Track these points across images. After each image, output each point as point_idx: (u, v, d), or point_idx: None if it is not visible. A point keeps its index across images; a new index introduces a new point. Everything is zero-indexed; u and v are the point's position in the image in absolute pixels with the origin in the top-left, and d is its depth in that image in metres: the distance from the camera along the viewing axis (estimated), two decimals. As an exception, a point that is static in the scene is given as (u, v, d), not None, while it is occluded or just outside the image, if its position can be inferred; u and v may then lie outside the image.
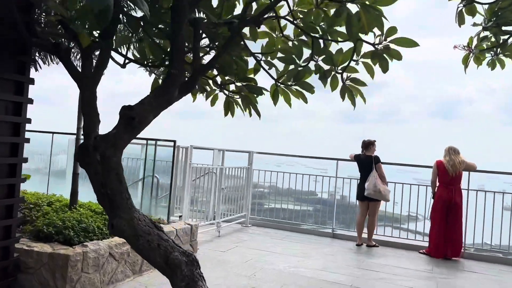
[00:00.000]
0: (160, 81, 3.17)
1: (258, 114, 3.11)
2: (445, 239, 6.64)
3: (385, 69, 2.60)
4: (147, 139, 5.65)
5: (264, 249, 6.38)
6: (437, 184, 6.81)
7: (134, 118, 2.21)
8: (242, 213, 8.41)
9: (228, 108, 3.26)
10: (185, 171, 6.31)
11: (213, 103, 3.33)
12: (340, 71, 2.82)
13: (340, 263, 5.92)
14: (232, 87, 3.27)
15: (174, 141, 5.57)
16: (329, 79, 2.90)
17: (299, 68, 2.91)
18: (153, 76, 3.30)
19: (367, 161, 7.29)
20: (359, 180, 7.39)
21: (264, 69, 3.02)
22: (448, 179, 6.67)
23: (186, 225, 5.62)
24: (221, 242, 6.64)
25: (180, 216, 6.34)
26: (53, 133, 6.42)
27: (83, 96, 2.35)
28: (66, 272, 3.68)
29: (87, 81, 2.36)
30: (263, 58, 3.03)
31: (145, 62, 3.00)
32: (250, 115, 3.19)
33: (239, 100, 3.20)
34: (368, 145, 7.41)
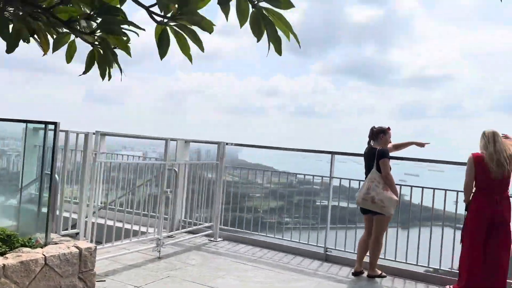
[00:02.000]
0: None
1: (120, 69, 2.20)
2: (484, 271, 4.36)
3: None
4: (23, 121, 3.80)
5: (207, 283, 4.37)
6: (473, 190, 4.53)
7: None
8: (210, 223, 6.45)
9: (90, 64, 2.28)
10: (84, 167, 4.35)
11: (69, 58, 2.37)
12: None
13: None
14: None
15: (50, 123, 3.60)
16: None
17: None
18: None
19: (369, 156, 5.12)
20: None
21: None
22: (490, 182, 4.40)
23: (73, 249, 3.70)
24: (149, 269, 4.66)
25: (76, 234, 4.41)
26: None
27: None
28: None
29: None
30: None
31: None
32: (110, 77, 2.30)
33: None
34: (377, 134, 5.20)
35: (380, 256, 5.13)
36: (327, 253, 5.72)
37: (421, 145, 5.31)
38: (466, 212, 4.55)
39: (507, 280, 4.37)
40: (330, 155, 5.90)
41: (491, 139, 4.43)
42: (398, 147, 5.37)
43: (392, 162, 5.10)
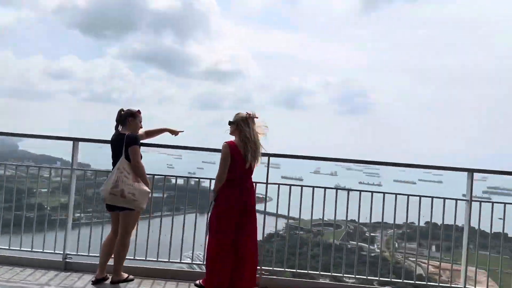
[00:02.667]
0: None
1: None
2: (233, 262, 4.14)
3: None
4: None
5: None
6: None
7: None
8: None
9: None
10: None
11: None
12: None
13: None
14: None
15: None
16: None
17: None
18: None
19: (116, 142, 4.34)
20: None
21: None
22: (243, 170, 4.18)
23: None
24: None
25: None
26: None
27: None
28: None
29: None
30: None
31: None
32: None
33: None
34: (125, 117, 4.44)
35: (128, 257, 4.47)
36: (66, 260, 4.74)
37: (175, 133, 4.82)
38: (213, 203, 4.22)
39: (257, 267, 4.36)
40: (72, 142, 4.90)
41: (245, 123, 4.21)
42: (150, 133, 4.76)
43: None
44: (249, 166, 4.17)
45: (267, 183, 4.72)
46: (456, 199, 4.70)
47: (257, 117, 4.29)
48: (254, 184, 4.41)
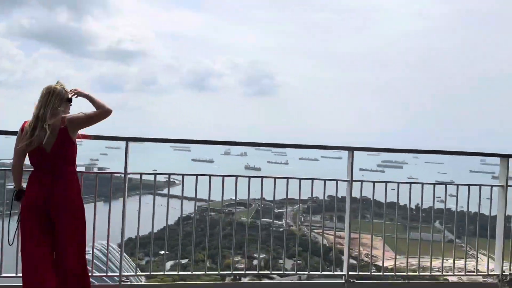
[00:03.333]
0: None
1: None
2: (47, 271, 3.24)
3: None
4: None
5: None
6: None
7: None
8: None
9: None
10: None
11: None
12: None
13: None
14: None
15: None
16: None
17: None
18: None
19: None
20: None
21: None
22: (42, 156, 3.30)
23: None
24: None
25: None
26: None
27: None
28: None
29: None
30: None
31: None
32: None
33: None
34: None
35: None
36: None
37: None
38: (17, 201, 3.42)
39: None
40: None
41: (44, 98, 3.31)
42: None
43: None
44: (52, 151, 3.26)
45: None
46: (337, 180, 5.01)
47: (60, 87, 3.42)
48: (78, 172, 3.55)
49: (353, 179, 4.96)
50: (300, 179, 4.93)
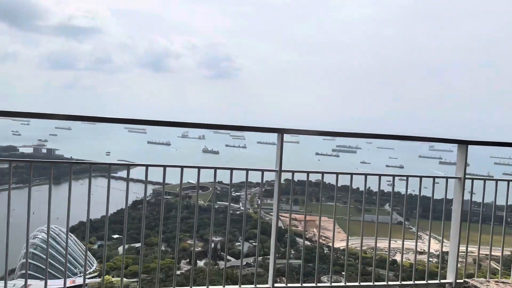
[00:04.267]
0: None
1: None
2: None
3: None
4: None
5: None
6: None
7: None
8: None
9: None
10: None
11: None
12: None
13: None
14: None
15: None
16: None
17: None
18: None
19: None
20: None
21: None
22: None
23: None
24: None
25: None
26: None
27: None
28: None
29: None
30: None
31: None
32: None
33: None
34: None
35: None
36: None
37: None
38: None
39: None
40: None
41: None
42: None
43: None
44: None
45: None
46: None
47: None
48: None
49: (282, 168, 4.59)
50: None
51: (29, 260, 30.19)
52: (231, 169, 4.64)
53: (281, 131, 4.52)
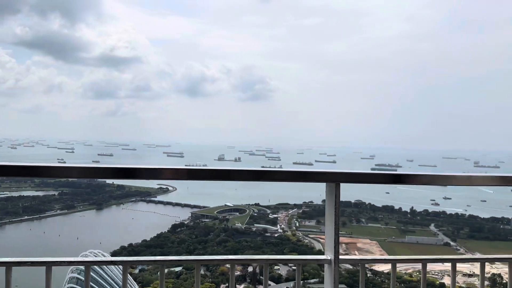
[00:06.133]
0: None
1: None
2: None
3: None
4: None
5: None
6: None
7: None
8: None
9: None
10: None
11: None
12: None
13: None
14: None
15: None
16: None
17: None
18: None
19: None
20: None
21: None
22: None
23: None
24: None
25: None
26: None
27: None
28: None
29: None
30: None
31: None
32: None
33: None
34: None
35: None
36: None
37: None
38: None
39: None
40: None
41: None
42: None
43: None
44: None
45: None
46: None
47: None
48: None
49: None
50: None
51: (73, 285, 31.02)
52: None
53: (335, 178, 3.11)
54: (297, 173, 3.16)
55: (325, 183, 3.10)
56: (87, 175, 2.95)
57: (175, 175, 2.89)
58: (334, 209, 3.17)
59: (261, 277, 35.21)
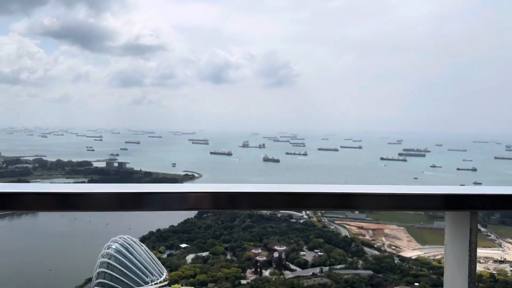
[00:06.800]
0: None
1: None
2: None
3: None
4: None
5: None
6: None
7: None
8: None
9: None
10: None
11: None
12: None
13: None
14: None
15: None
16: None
17: None
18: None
19: None
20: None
21: None
22: None
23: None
24: None
25: None
26: None
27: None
28: None
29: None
30: None
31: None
32: None
33: None
34: None
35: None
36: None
37: None
38: None
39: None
40: None
41: None
42: None
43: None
44: None
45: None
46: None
47: None
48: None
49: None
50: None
51: (104, 269, 31.95)
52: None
53: (468, 204, 2.09)
54: (399, 197, 1.93)
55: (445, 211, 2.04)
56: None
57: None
58: (468, 251, 1.98)
59: (287, 262, 35.44)
